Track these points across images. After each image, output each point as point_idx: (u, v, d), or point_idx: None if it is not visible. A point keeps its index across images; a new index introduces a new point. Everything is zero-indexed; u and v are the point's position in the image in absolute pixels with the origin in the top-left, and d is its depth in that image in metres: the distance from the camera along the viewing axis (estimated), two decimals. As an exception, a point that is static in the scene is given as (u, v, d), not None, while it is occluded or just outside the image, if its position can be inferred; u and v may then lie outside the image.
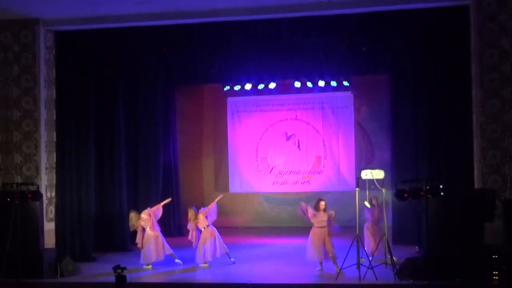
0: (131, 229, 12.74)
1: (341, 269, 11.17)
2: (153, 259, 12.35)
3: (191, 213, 12.66)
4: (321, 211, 11.63)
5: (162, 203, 12.89)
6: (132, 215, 12.59)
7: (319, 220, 11.60)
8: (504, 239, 10.88)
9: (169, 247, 12.58)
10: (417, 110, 13.78)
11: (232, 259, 12.62)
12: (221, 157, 18.70)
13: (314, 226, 11.67)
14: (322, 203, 11.70)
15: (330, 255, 11.53)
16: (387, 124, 15.73)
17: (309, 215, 11.66)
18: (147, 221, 12.44)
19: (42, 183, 12.67)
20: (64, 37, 13.21)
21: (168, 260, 12.60)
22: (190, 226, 12.68)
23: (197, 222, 12.55)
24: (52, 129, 13.08)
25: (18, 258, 10.90)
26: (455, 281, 10.42)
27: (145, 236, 12.39)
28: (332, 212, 11.69)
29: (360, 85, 17.31)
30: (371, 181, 11.60)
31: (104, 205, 14.45)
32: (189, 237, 12.76)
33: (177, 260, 12.58)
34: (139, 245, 12.51)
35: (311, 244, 11.64)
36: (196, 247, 12.56)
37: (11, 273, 10.97)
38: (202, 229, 12.52)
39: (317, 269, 11.65)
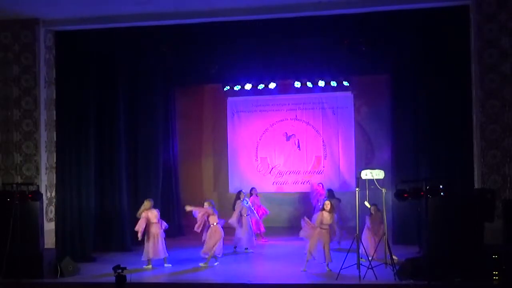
0: (137, 216, 12.58)
1: (340, 269, 11.16)
2: (151, 256, 12.37)
3: (207, 204, 12.68)
4: (326, 212, 11.62)
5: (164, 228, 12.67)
6: (146, 202, 12.54)
7: (322, 220, 11.59)
8: (504, 239, 10.87)
9: (165, 251, 12.58)
10: (417, 110, 13.78)
11: (216, 263, 12.59)
12: (221, 157, 18.70)
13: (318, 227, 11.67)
14: (327, 202, 11.73)
15: (326, 254, 11.57)
16: (387, 124, 15.72)
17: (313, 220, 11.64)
18: (154, 218, 12.45)
19: (42, 183, 12.66)
20: (64, 37, 13.21)
21: (168, 261, 12.60)
22: (199, 216, 12.59)
23: (209, 215, 12.56)
24: (52, 129, 13.08)
25: (18, 258, 10.92)
26: (455, 281, 10.42)
27: (148, 230, 12.38)
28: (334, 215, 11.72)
29: (360, 85, 17.32)
30: (371, 181, 11.61)
31: (104, 205, 14.45)
32: (195, 228, 12.71)
33: (167, 265, 12.53)
34: (138, 232, 12.34)
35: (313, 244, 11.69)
36: (203, 241, 12.56)
37: (11, 273, 10.98)
38: (212, 225, 12.57)
39: (319, 262, 11.66)
